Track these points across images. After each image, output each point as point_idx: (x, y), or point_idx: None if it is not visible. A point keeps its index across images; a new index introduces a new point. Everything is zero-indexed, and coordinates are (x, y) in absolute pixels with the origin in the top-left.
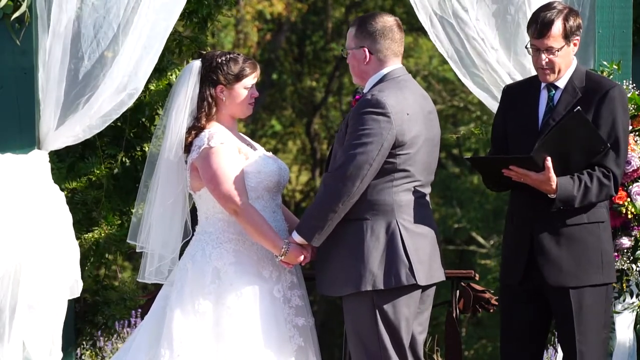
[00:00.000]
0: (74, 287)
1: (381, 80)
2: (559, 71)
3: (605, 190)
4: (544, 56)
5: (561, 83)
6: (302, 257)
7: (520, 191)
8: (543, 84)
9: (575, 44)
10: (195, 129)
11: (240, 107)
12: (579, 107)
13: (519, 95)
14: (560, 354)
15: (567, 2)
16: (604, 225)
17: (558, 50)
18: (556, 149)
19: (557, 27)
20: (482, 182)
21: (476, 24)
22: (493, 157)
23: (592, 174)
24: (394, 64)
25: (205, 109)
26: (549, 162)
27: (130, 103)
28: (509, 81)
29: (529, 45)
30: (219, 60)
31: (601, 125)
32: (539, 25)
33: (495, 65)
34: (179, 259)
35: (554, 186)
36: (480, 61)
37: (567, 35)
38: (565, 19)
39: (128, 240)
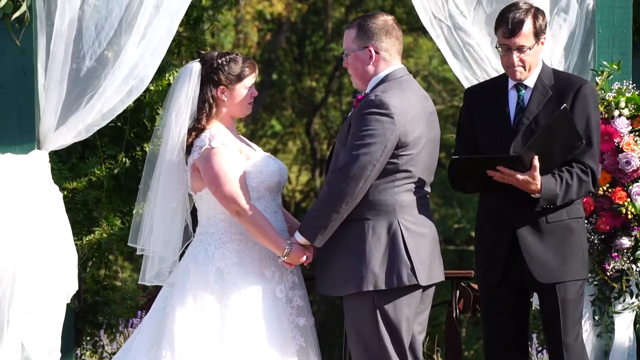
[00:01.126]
0: (71, 287)
1: (383, 81)
2: (529, 69)
3: (585, 187)
4: (515, 55)
5: (530, 82)
6: (304, 258)
7: (501, 191)
8: (511, 84)
9: (542, 43)
10: (196, 129)
11: (240, 106)
12: (565, 105)
13: (485, 96)
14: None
15: (568, 2)
16: (581, 220)
17: (529, 49)
18: (542, 147)
19: (528, 25)
20: (451, 183)
21: (472, 29)
22: (480, 157)
23: (571, 170)
24: (397, 64)
25: (206, 110)
26: (536, 161)
27: (129, 102)
28: None
29: (497, 45)
30: (220, 62)
31: (576, 121)
32: (510, 24)
33: (491, 72)
34: (179, 260)
35: (538, 186)
36: (476, 67)
37: (537, 34)
38: (535, 17)
39: (129, 243)
